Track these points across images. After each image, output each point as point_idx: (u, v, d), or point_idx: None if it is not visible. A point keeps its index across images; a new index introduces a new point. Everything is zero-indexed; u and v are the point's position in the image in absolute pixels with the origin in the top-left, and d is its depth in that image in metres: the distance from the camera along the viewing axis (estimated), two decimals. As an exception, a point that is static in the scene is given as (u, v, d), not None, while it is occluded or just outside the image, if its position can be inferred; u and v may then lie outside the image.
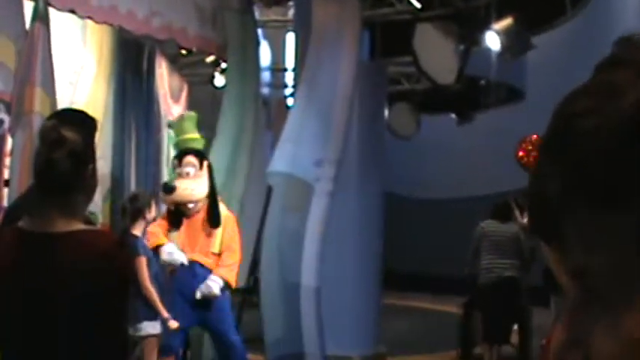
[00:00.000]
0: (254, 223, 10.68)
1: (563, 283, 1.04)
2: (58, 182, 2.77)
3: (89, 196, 2.93)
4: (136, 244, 6.86)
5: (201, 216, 7.63)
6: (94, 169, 2.90)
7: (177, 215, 7.50)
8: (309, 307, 8.71)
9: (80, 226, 2.80)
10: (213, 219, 7.67)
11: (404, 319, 14.12)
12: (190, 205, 7.52)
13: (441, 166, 18.55)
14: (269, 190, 9.14)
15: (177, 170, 7.59)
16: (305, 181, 8.74)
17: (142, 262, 6.86)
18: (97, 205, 9.47)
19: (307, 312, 8.68)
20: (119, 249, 2.82)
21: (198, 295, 7.43)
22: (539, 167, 1.01)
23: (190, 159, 7.61)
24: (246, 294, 11.80)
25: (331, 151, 8.85)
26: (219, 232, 7.65)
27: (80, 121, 2.89)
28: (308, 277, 8.68)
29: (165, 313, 6.97)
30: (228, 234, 7.73)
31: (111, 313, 2.77)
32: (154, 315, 6.98)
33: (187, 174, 7.53)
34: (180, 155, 7.68)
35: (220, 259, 7.66)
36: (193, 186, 7.52)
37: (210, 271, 7.55)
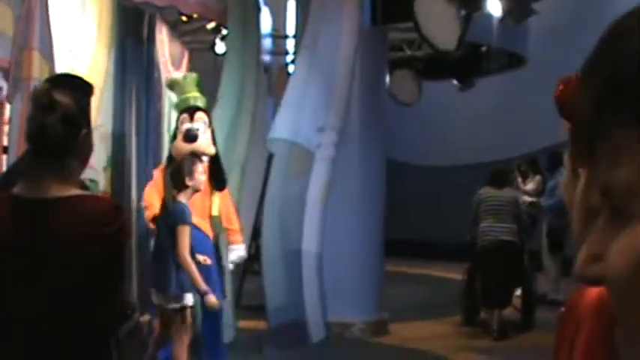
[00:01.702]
0: (255, 190, 10.66)
1: (584, 204, 1.05)
2: (51, 147, 2.75)
3: (84, 161, 2.90)
4: (182, 212, 6.76)
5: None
6: (89, 134, 2.88)
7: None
8: (310, 273, 8.70)
9: (75, 191, 2.78)
10: (219, 180, 7.67)
11: (406, 286, 14.13)
12: (205, 159, 7.51)
13: (443, 132, 18.49)
14: (270, 157, 9.12)
15: (187, 125, 7.55)
16: (306, 147, 8.71)
17: (184, 230, 6.68)
18: (98, 172, 9.42)
19: (309, 279, 8.67)
20: (115, 214, 2.79)
21: (230, 265, 7.48)
22: (579, 85, 1.03)
23: (202, 115, 7.64)
24: (247, 261, 11.82)
25: (333, 118, 8.81)
26: (217, 194, 7.63)
27: (74, 86, 2.86)
28: (309, 243, 8.67)
29: (203, 286, 6.79)
30: (225, 198, 7.73)
31: (105, 278, 2.75)
32: (190, 286, 6.83)
33: (197, 130, 7.54)
34: (192, 110, 7.65)
35: (228, 224, 7.68)
36: (209, 140, 7.55)
37: (207, 237, 7.53)
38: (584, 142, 1.00)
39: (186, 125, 7.55)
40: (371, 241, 10.59)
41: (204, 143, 7.54)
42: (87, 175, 7.61)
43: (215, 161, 7.74)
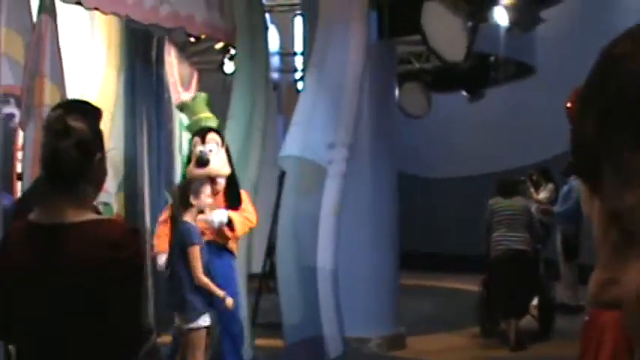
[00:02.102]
0: (268, 208, 10.70)
1: (600, 227, 1.06)
2: (65, 172, 2.77)
3: (98, 186, 2.93)
4: (189, 232, 6.80)
5: (219, 198, 7.64)
6: (103, 159, 2.90)
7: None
8: (326, 289, 8.71)
9: (90, 215, 2.81)
10: (234, 198, 7.68)
11: (422, 299, 14.11)
12: (220, 180, 7.54)
13: (452, 144, 18.49)
14: (282, 175, 9.15)
15: (199, 148, 7.57)
16: (317, 163, 8.73)
17: (193, 251, 6.73)
18: (111, 195, 9.48)
19: (324, 295, 8.68)
20: (130, 238, 2.81)
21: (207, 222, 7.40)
22: (581, 109, 1.04)
23: (214, 136, 7.64)
24: (262, 279, 11.85)
25: (343, 134, 8.83)
26: (234, 212, 7.65)
27: (86, 111, 2.89)
28: (324, 259, 8.68)
29: (221, 293, 6.83)
30: (245, 208, 7.74)
31: (123, 301, 2.77)
32: (205, 307, 6.87)
33: (210, 151, 7.56)
34: (203, 132, 7.67)
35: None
36: (222, 161, 7.57)
37: (228, 252, 7.58)
38: (588, 156, 1.01)
39: (199, 148, 7.58)
40: (385, 255, 10.60)
41: (218, 165, 7.56)
42: (100, 198, 7.67)
43: (231, 179, 7.77)
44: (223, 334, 7.44)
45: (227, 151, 7.78)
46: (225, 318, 7.36)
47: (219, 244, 7.53)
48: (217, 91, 12.45)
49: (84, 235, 2.75)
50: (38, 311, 2.75)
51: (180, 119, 12.32)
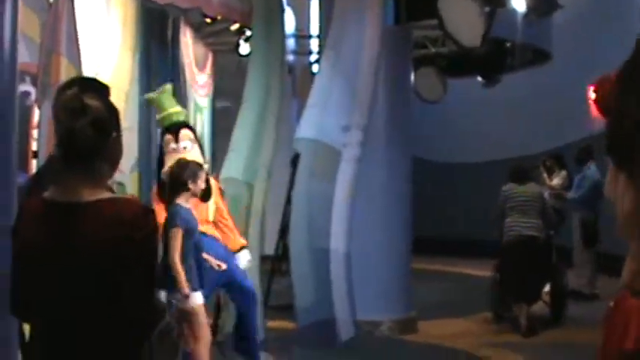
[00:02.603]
0: (282, 190, 10.69)
1: (632, 217, 1.05)
2: (81, 151, 2.75)
3: (114, 165, 2.90)
4: (173, 215, 6.75)
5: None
6: (119, 138, 2.87)
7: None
8: (338, 272, 8.71)
9: (105, 194, 2.79)
10: (206, 192, 7.58)
11: (435, 283, 14.09)
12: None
13: (467, 129, 18.42)
14: (296, 157, 9.13)
15: (173, 145, 7.39)
16: (332, 146, 8.72)
17: (173, 233, 6.67)
18: (125, 175, 9.47)
19: (337, 278, 8.68)
20: (146, 217, 2.79)
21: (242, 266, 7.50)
22: (623, 88, 1.02)
23: (187, 132, 7.45)
24: (275, 261, 11.84)
25: (358, 117, 8.81)
26: (211, 201, 7.60)
27: (100, 89, 2.85)
28: (337, 242, 8.68)
29: (186, 290, 6.73)
30: (217, 200, 7.70)
31: (138, 280, 2.75)
32: (197, 285, 6.84)
33: (184, 148, 7.39)
34: (176, 129, 7.50)
35: (225, 226, 7.65)
36: (197, 157, 7.43)
37: (212, 237, 7.53)
38: (623, 141, 0.99)
39: (172, 146, 7.44)
40: (398, 239, 10.56)
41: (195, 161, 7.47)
42: (115, 178, 7.66)
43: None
44: (238, 308, 7.49)
45: (200, 146, 7.66)
46: (234, 291, 7.43)
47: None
48: (232, 72, 12.46)
49: (99, 214, 2.74)
50: (51, 290, 2.74)
51: (195, 101, 12.33)
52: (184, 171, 6.92)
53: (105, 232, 2.71)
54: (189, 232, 6.72)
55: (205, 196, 7.49)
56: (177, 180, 6.89)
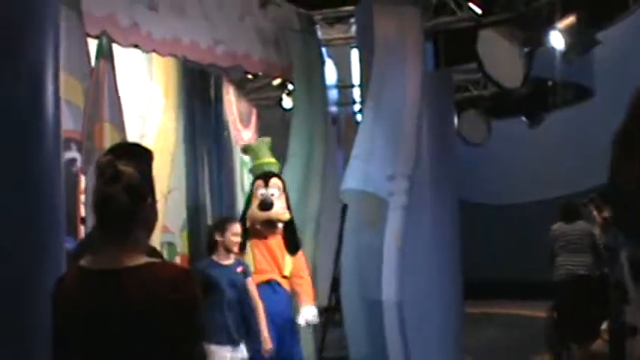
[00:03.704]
0: (331, 242, 10.61)
1: None
2: (115, 217, 2.75)
3: (150, 230, 2.89)
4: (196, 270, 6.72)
5: (278, 239, 7.66)
6: (154, 203, 2.86)
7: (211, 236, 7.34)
8: (392, 322, 8.59)
9: (143, 259, 2.76)
10: (293, 245, 7.74)
11: (487, 327, 13.91)
12: (279, 225, 7.59)
13: (514, 170, 18.28)
14: (344, 208, 9.07)
15: (261, 191, 7.61)
16: (378, 196, 8.64)
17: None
18: (175, 235, 9.47)
19: (390, 327, 8.56)
20: (185, 278, 2.76)
21: (302, 321, 7.48)
22: (615, 162, 0.96)
23: (276, 181, 7.72)
24: (328, 313, 11.74)
25: (403, 165, 8.73)
26: (289, 257, 7.67)
27: (137, 155, 2.86)
28: (389, 292, 8.56)
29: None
30: (299, 259, 7.75)
31: (180, 342, 2.70)
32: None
33: (272, 195, 7.60)
34: (267, 176, 7.70)
35: (300, 284, 7.68)
36: (283, 207, 7.61)
37: (285, 291, 7.58)
38: (625, 210, 0.93)
39: (261, 191, 7.60)
40: (449, 285, 10.43)
41: (280, 210, 7.60)
42: (165, 239, 7.67)
43: (289, 225, 7.82)
44: None
45: (287, 197, 7.80)
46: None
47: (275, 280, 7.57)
48: (277, 126, 12.45)
49: (138, 279, 2.71)
50: (96, 356, 2.70)
51: (241, 157, 12.33)
52: (214, 225, 6.98)
53: (145, 295, 2.67)
54: (212, 288, 6.71)
55: (293, 248, 7.62)
56: (209, 235, 6.97)
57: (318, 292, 9.62)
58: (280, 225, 7.68)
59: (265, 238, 7.66)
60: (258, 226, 7.63)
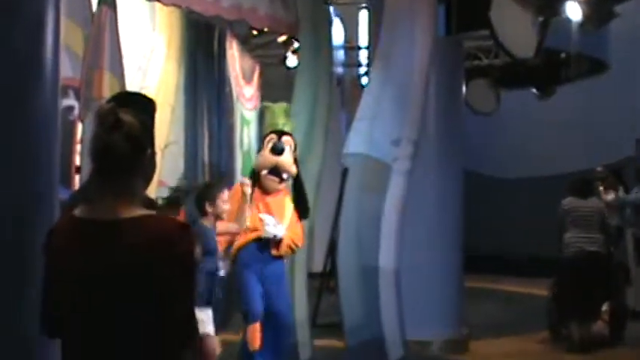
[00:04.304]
0: (330, 206, 10.64)
1: None
2: (114, 166, 2.75)
3: (147, 181, 2.89)
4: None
5: (279, 199, 7.69)
6: (153, 154, 2.87)
7: (201, 200, 7.38)
8: (387, 290, 8.63)
9: (140, 211, 2.77)
10: (303, 210, 7.81)
11: (488, 302, 13.96)
12: (285, 176, 7.62)
13: (524, 143, 18.26)
14: (345, 172, 9.08)
15: (274, 141, 7.66)
16: (382, 161, 8.66)
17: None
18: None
19: (386, 296, 8.60)
20: (183, 233, 2.77)
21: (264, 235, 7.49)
22: None
23: (288, 138, 7.73)
24: (324, 278, 11.79)
25: (408, 130, 8.74)
26: (287, 217, 7.71)
27: (139, 104, 2.87)
28: (387, 259, 8.60)
29: None
30: (296, 226, 7.80)
31: (175, 300, 2.73)
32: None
33: (284, 144, 7.67)
34: (279, 133, 7.74)
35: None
36: (292, 161, 7.65)
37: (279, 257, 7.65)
38: None
39: (274, 141, 7.66)
40: (450, 256, 10.47)
41: (288, 161, 7.62)
42: (160, 193, 7.68)
43: (299, 188, 7.88)
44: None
45: (296, 160, 7.84)
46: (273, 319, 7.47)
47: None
48: (280, 84, 12.44)
49: (137, 231, 2.71)
50: (90, 306, 2.72)
51: (242, 114, 12.33)
52: (205, 194, 7.01)
53: (143, 248, 2.68)
54: (209, 254, 6.75)
55: (303, 213, 7.71)
56: (198, 202, 7.01)
57: (313, 256, 9.67)
58: (285, 179, 7.70)
59: (268, 194, 7.68)
60: (264, 173, 7.64)
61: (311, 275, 9.51)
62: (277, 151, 7.55)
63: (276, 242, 7.56)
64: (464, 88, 11.55)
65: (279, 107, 8.19)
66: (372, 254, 8.53)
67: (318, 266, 11.91)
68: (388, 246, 8.54)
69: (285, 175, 7.66)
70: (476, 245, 12.89)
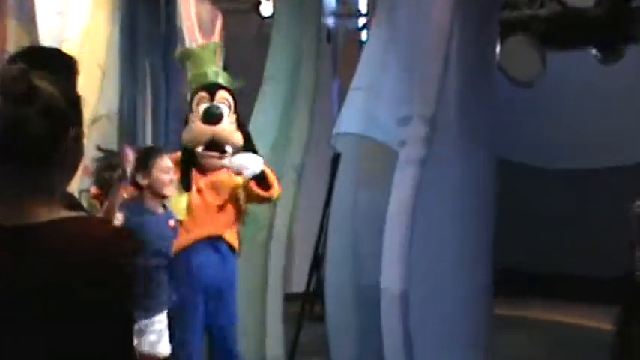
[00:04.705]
0: (316, 207, 10.68)
1: None
2: (29, 152, 2.71)
3: (72, 171, 2.86)
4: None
5: (225, 176, 7.67)
6: (79, 135, 2.82)
7: (187, 168, 7.40)
8: (392, 317, 8.69)
9: (63, 213, 2.76)
10: (267, 184, 7.76)
11: (525, 334, 14.04)
12: (228, 148, 7.61)
13: (576, 123, 18.30)
14: (335, 159, 9.12)
15: (204, 105, 7.60)
16: (386, 145, 8.70)
17: None
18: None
19: (390, 325, 8.66)
20: (118, 240, 2.76)
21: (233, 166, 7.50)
22: None
23: (225, 94, 7.69)
24: (306, 301, 11.85)
25: (422, 105, 8.77)
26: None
27: (56, 65, 2.81)
28: (390, 277, 8.65)
29: None
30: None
31: (106, 323, 2.73)
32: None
33: (220, 109, 7.60)
34: (212, 88, 7.68)
35: None
36: (234, 127, 7.60)
37: (230, 250, 7.64)
38: None
39: (204, 105, 7.60)
40: (474, 273, 10.51)
41: (228, 127, 7.58)
42: (85, 185, 7.70)
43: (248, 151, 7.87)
44: None
45: (239, 121, 7.80)
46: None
47: (213, 236, 7.62)
48: (250, 40, 12.47)
49: (64, 236, 2.70)
50: (10, 332, 2.73)
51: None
52: (137, 161, 7.01)
53: (66, 260, 2.67)
54: (156, 253, 6.86)
55: (264, 185, 7.70)
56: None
57: (292, 273, 9.70)
58: (230, 153, 7.68)
59: (207, 172, 7.67)
60: (199, 150, 7.63)
61: (289, 297, 9.56)
62: (212, 118, 7.51)
63: (262, 179, 7.55)
64: (498, 48, 11.59)
65: (210, 47, 8.11)
66: (371, 271, 8.58)
67: (299, 286, 11.94)
68: (392, 260, 8.58)
69: (228, 148, 7.64)
70: (508, 258, 12.94)
